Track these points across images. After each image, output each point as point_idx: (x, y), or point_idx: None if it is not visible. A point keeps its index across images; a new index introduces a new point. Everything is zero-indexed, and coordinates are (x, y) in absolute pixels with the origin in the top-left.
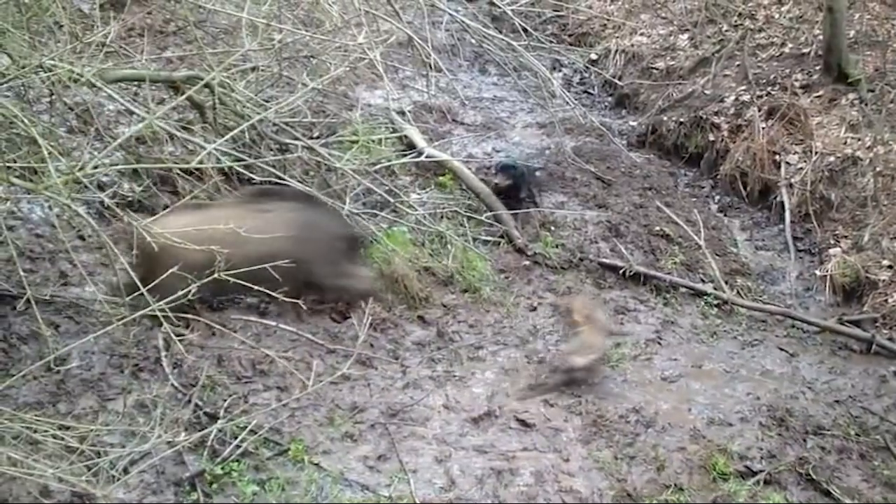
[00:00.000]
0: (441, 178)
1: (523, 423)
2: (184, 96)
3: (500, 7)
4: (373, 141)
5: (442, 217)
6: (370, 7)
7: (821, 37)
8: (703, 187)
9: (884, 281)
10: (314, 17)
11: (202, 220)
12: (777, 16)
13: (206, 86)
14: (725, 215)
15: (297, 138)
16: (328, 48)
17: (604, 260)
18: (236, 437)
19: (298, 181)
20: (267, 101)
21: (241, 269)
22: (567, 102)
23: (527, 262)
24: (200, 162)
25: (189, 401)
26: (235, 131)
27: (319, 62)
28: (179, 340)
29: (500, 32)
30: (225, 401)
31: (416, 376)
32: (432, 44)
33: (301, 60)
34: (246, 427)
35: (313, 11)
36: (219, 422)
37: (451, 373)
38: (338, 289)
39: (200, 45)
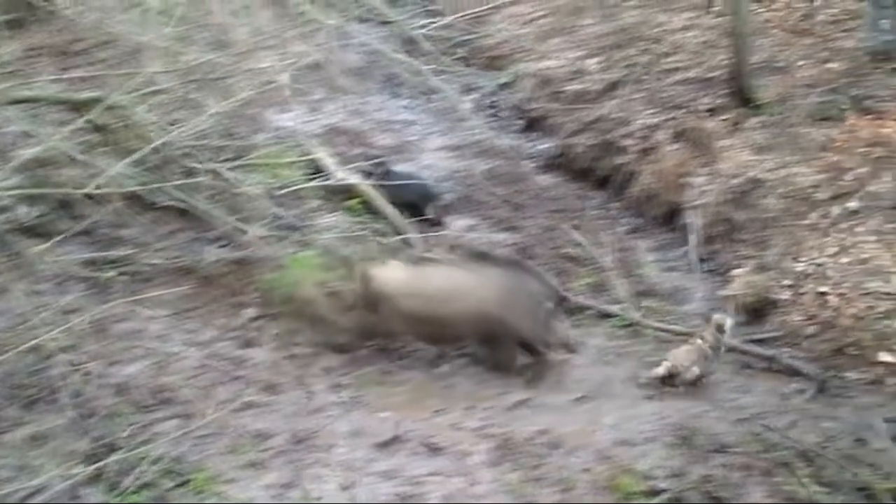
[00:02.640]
0: (350, 201)
1: (431, 447)
2: (84, 118)
3: (411, 31)
4: (282, 164)
5: (351, 240)
6: (279, 30)
7: (727, 62)
8: (612, 209)
9: (785, 300)
10: (224, 40)
11: (419, 275)
12: (684, 41)
13: (110, 107)
14: (634, 237)
15: (204, 161)
16: (238, 71)
17: None
18: (136, 468)
19: (205, 205)
20: (173, 124)
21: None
22: (478, 124)
23: None
24: (100, 185)
25: (86, 432)
26: (137, 154)
27: (229, 85)
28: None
29: (415, 55)
30: (125, 430)
31: (324, 402)
32: (343, 67)
33: (210, 83)
34: (146, 457)
35: (223, 34)
36: (117, 452)
37: (358, 398)
38: (539, 343)
39: (106, 66)
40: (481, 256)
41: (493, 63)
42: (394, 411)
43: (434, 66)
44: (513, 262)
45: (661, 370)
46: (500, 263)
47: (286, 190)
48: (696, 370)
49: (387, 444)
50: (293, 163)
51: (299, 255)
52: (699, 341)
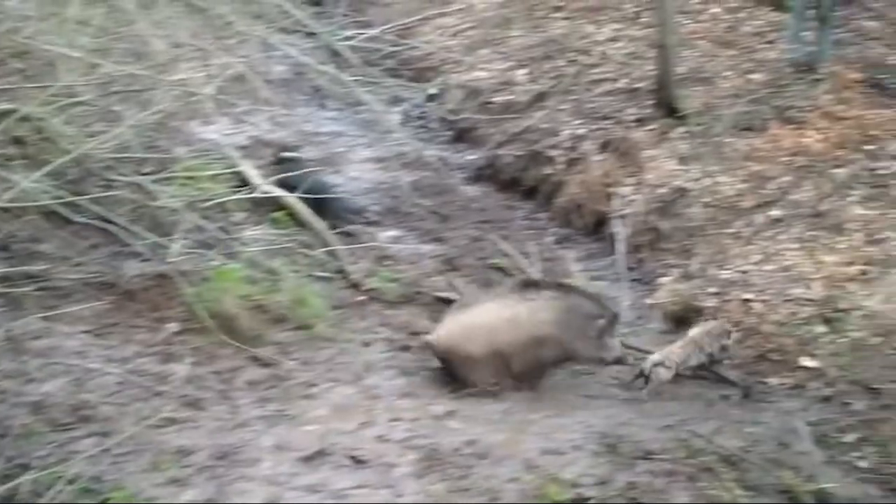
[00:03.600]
0: (276, 213)
1: (356, 459)
2: None
3: (338, 42)
4: (206, 177)
5: (276, 253)
6: (202, 41)
7: (653, 73)
8: (539, 220)
9: (710, 308)
10: (144, 51)
11: (482, 312)
12: (611, 52)
13: (25, 119)
14: (561, 247)
15: (125, 174)
16: (159, 82)
17: (439, 294)
18: (52, 488)
19: (126, 219)
20: (92, 136)
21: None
22: (405, 136)
23: (362, 298)
24: (14, 199)
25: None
26: (50, 166)
27: (149, 96)
28: None
29: (343, 67)
30: (41, 450)
31: (247, 416)
32: (269, 78)
33: (131, 94)
34: (62, 476)
35: (143, 45)
36: (32, 472)
37: (282, 412)
38: (595, 360)
39: (22, 77)
40: (533, 284)
41: (422, 74)
42: (319, 424)
43: (361, 78)
44: (565, 286)
45: (647, 364)
46: (553, 288)
47: (210, 203)
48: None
49: (311, 458)
50: (217, 175)
51: (223, 269)
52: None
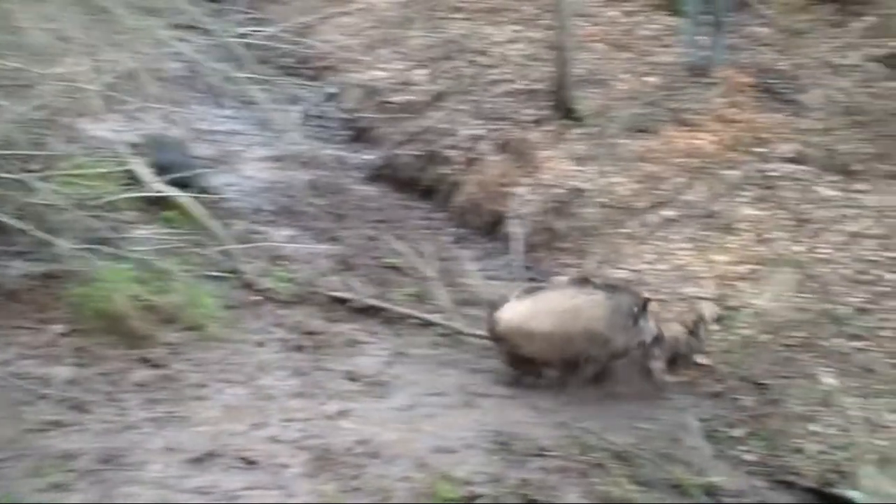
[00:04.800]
0: (168, 212)
1: (247, 460)
2: None
3: (234, 40)
4: (95, 175)
5: (168, 253)
6: (91, 36)
7: (550, 74)
8: (436, 219)
9: None
10: (29, 45)
11: (544, 299)
12: (510, 53)
13: None
14: (458, 246)
15: (10, 171)
16: (45, 78)
17: (334, 293)
18: None
19: (11, 217)
20: None
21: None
22: (302, 136)
23: (256, 297)
24: None
25: None
26: None
27: (35, 92)
28: None
29: (240, 65)
30: None
31: (136, 418)
32: (164, 76)
33: (15, 90)
34: None
35: (28, 38)
36: None
37: (172, 413)
38: (636, 348)
39: None
40: (588, 282)
41: (321, 73)
42: (210, 425)
43: (259, 77)
44: (611, 286)
45: None
46: (604, 288)
47: (100, 201)
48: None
49: (202, 460)
50: (107, 173)
51: (112, 269)
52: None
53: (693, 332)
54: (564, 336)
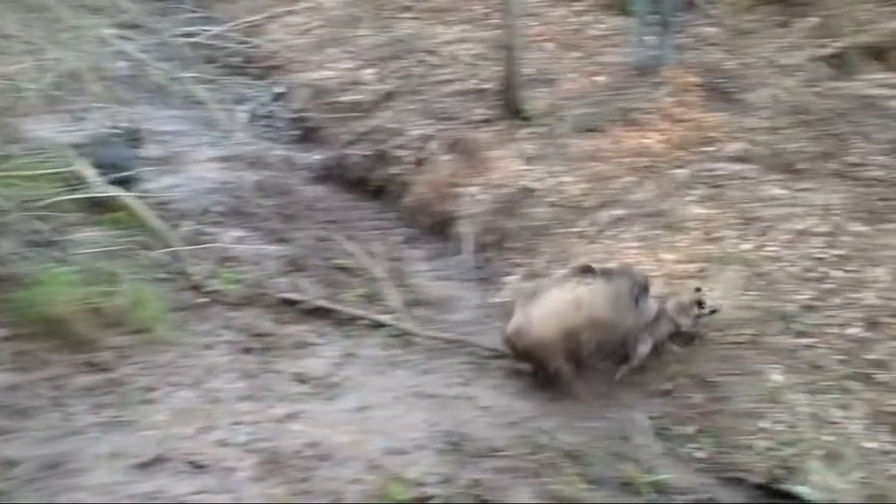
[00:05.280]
0: (114, 214)
1: (195, 465)
2: None
3: (181, 39)
4: (39, 176)
5: (114, 255)
6: (33, 35)
7: (499, 74)
8: (386, 220)
9: None
10: None
11: (548, 299)
12: (459, 53)
13: None
14: (408, 247)
15: None
16: None
17: (283, 294)
18: None
19: None
20: None
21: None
22: (250, 135)
23: (204, 299)
24: None
25: None
26: None
27: None
28: None
29: (188, 64)
30: None
31: (81, 424)
32: (109, 75)
33: None
34: None
35: None
36: None
37: (119, 418)
38: (640, 328)
39: None
40: (588, 270)
41: (270, 73)
42: (158, 430)
43: (206, 76)
44: (609, 271)
45: None
46: (604, 274)
47: (42, 202)
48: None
49: (149, 465)
50: (51, 174)
51: (55, 271)
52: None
53: (688, 312)
54: (572, 331)
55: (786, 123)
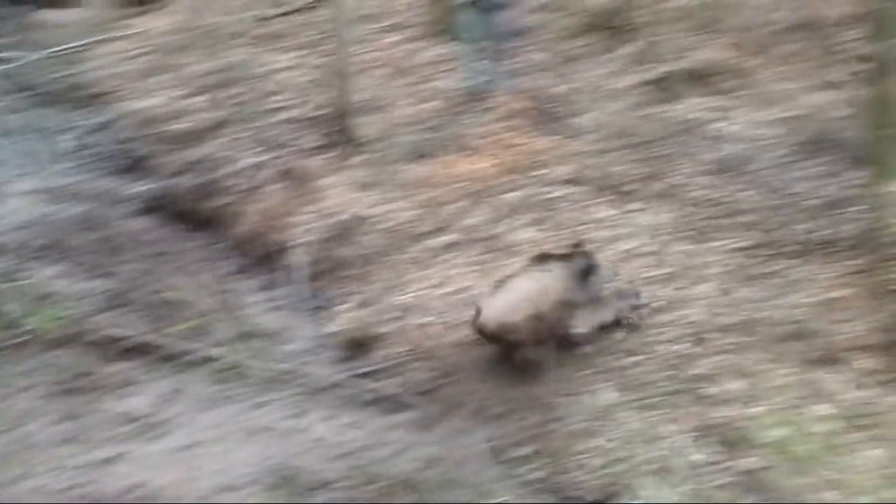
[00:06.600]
0: None
1: None
2: None
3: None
4: None
5: None
6: None
7: (331, 101)
8: (216, 250)
9: (386, 333)
10: None
11: (517, 289)
12: (291, 80)
13: None
14: (239, 277)
15: None
16: None
17: (106, 331)
18: None
19: None
20: None
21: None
22: (73, 166)
23: (20, 339)
24: None
25: None
26: None
27: None
28: None
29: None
30: None
31: None
32: None
33: None
34: None
35: None
36: None
37: None
38: (591, 304)
39: None
40: (546, 257)
41: (95, 101)
42: None
43: (23, 105)
44: (565, 255)
45: None
46: (560, 258)
47: None
48: None
49: None
50: None
51: None
52: None
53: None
54: (542, 315)
55: (613, 146)
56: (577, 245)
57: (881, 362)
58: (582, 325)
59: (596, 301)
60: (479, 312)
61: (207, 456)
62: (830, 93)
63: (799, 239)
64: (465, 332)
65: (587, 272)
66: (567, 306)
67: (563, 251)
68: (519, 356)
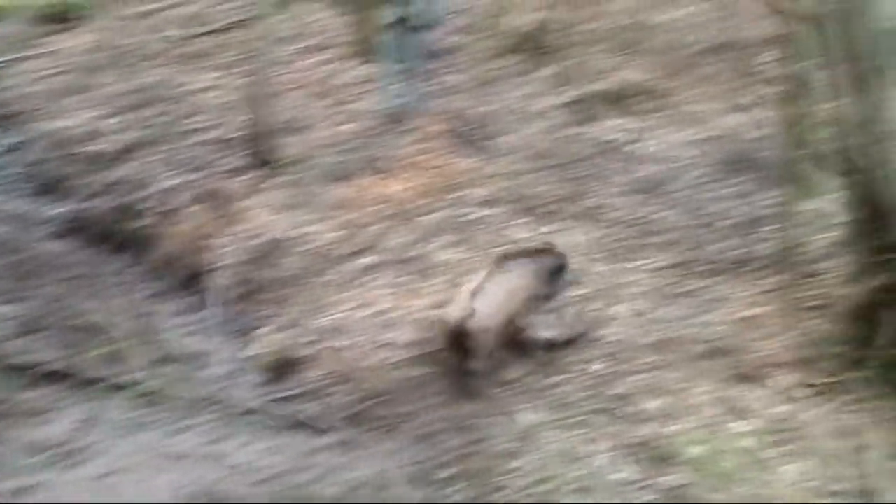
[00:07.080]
0: None
1: None
2: None
3: None
4: None
5: None
6: None
7: (248, 123)
8: (132, 274)
9: (307, 356)
10: None
11: (488, 292)
12: (207, 101)
13: None
14: (155, 302)
15: None
16: None
17: (18, 360)
18: None
19: None
20: None
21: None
22: None
23: None
24: None
25: None
26: None
27: None
28: None
29: None
30: None
31: None
32: None
33: None
34: None
35: None
36: None
37: None
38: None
39: None
40: (510, 256)
41: (5, 122)
42: None
43: None
44: (529, 251)
45: None
46: (524, 255)
47: None
48: None
49: None
50: None
51: None
52: None
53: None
54: (511, 316)
55: (532, 168)
56: (547, 244)
57: (798, 378)
58: (545, 330)
59: (559, 310)
60: (452, 316)
61: (126, 483)
62: (746, 114)
63: (716, 258)
64: (387, 354)
65: (558, 270)
66: (535, 300)
67: (532, 248)
68: (473, 364)
